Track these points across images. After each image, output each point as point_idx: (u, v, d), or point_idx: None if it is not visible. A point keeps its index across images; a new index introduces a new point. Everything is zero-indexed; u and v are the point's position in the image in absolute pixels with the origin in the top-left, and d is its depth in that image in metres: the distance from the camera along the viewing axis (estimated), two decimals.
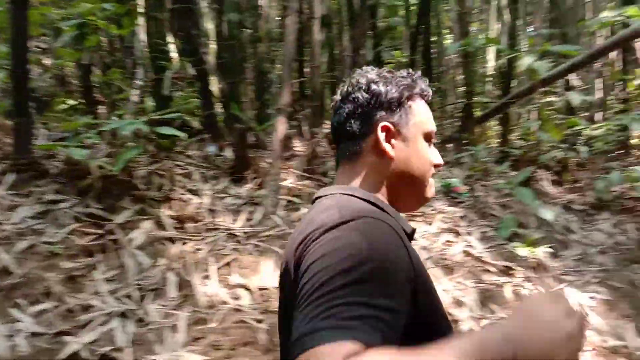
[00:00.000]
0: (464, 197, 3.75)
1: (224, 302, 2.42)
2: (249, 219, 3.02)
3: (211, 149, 3.69)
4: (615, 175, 4.14)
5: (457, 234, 3.21)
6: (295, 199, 3.29)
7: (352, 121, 0.90)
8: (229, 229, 2.87)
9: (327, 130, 4.18)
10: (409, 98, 0.91)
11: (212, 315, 2.34)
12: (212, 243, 2.74)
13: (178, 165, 3.52)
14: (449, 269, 2.85)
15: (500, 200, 3.73)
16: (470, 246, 3.08)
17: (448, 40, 7.28)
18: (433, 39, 6.06)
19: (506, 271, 2.89)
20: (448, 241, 3.11)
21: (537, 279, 2.86)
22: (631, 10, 4.04)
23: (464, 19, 5.66)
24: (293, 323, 0.64)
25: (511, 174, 4.19)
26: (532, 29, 7.21)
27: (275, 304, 2.52)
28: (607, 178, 4.16)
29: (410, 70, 0.96)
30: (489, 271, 2.89)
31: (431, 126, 0.93)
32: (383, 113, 0.89)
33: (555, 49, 3.67)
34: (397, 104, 0.90)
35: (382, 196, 0.90)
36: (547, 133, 4.19)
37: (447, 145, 5.16)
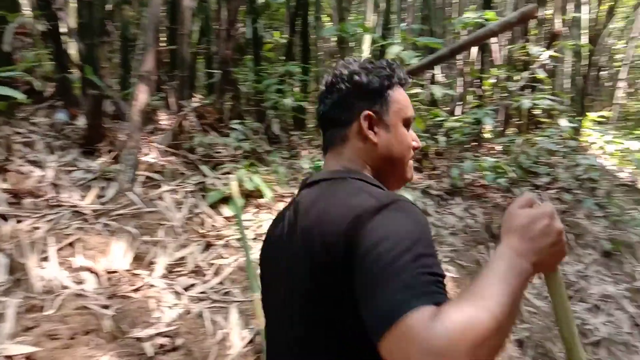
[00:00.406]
0: None
1: (65, 287, 2.15)
2: (100, 196, 2.73)
3: (60, 116, 3.28)
4: (468, 164, 4.51)
5: None
6: (155, 176, 3.06)
7: (337, 110, 0.99)
8: (74, 206, 2.56)
9: (197, 104, 3.97)
10: (389, 87, 0.99)
11: (49, 302, 2.07)
12: (54, 221, 2.43)
13: (19, 132, 3.07)
14: None
15: None
16: None
17: (327, 25, 7.35)
18: (312, 23, 6.06)
19: None
20: None
21: None
22: (489, 13, 4.44)
23: (342, 6, 5.73)
24: (366, 302, 0.71)
25: None
26: (405, 24, 7.57)
27: (125, 288, 2.32)
28: (461, 166, 4.51)
29: (389, 60, 1.03)
30: None
31: (410, 112, 1.02)
32: (365, 102, 0.97)
33: (421, 41, 3.85)
34: (378, 94, 0.98)
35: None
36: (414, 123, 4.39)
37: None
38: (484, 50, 6.39)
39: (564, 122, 5.92)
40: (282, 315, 0.94)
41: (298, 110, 4.68)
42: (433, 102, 5.62)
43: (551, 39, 6.35)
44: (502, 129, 6.49)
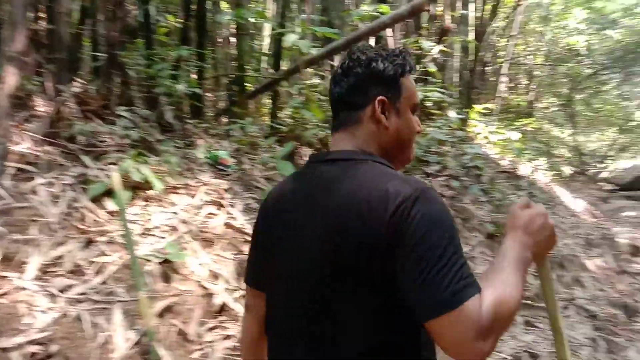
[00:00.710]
0: (231, 170, 3.69)
1: None
2: None
3: None
4: None
5: (221, 206, 3.12)
6: (29, 167, 2.76)
7: (353, 94, 1.05)
8: None
9: (78, 89, 3.65)
10: (402, 75, 1.06)
11: None
12: None
13: None
14: (208, 242, 2.75)
15: (266, 174, 3.78)
16: (232, 218, 3.03)
17: (225, 11, 7.14)
18: (209, 7, 5.84)
19: None
20: (210, 213, 3.00)
21: None
22: (383, 7, 4.57)
23: None
24: (418, 287, 0.83)
25: (278, 149, 4.31)
26: (304, 14, 7.56)
27: None
28: None
29: (401, 49, 1.10)
30: (249, 242, 2.88)
31: (417, 99, 1.10)
32: (380, 88, 1.04)
33: (319, 31, 3.85)
34: (392, 81, 1.05)
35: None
36: (310, 112, 4.40)
37: (220, 119, 5.08)
38: (380, 43, 6.58)
39: (452, 114, 6.30)
40: (298, 288, 0.99)
41: (194, 98, 4.49)
42: None
43: (441, 35, 6.71)
44: None
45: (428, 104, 6.53)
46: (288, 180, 1.16)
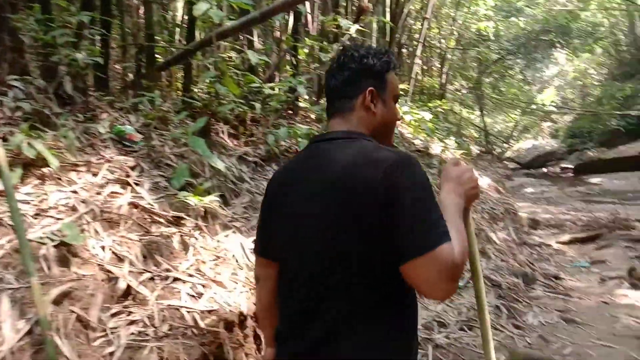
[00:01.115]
0: (138, 146, 3.47)
1: None
2: None
3: None
4: (283, 131, 4.55)
5: (127, 184, 2.93)
6: None
7: (347, 85, 1.25)
8: None
9: None
10: (387, 70, 1.28)
11: None
12: None
13: None
14: (112, 223, 2.56)
15: (177, 150, 3.60)
16: (139, 197, 2.85)
17: None
18: None
19: (175, 221, 2.79)
20: (114, 193, 2.80)
21: (206, 226, 2.86)
22: None
23: None
24: (396, 236, 1.05)
25: (191, 124, 4.12)
26: None
27: None
28: (277, 133, 4.53)
29: (386, 48, 1.35)
30: (157, 222, 2.74)
31: (398, 91, 1.33)
32: (370, 81, 1.25)
33: (232, 2, 3.69)
34: (379, 75, 1.26)
35: None
36: (225, 87, 4.24)
37: (127, 91, 4.76)
38: (299, 19, 6.48)
39: None
40: (310, 257, 1.17)
41: (98, 68, 4.16)
42: (251, 68, 5.53)
43: (359, 14, 6.72)
44: (315, 98, 6.73)
45: None
46: (292, 159, 1.40)
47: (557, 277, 5.36)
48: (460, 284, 4.50)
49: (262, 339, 1.47)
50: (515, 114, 25.00)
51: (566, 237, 6.96)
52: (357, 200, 1.10)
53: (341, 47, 5.87)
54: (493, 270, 4.95)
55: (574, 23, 18.82)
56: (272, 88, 5.30)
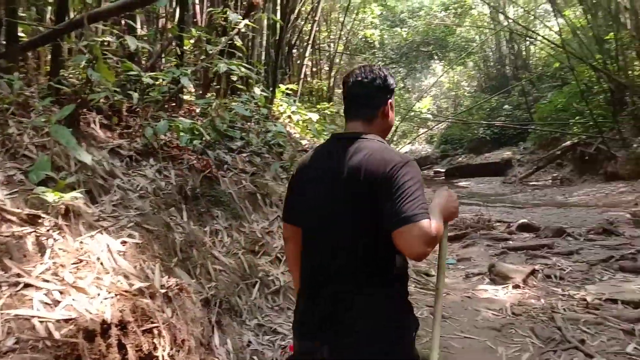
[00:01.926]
0: None
1: None
2: None
3: None
4: (163, 124, 4.30)
5: None
6: None
7: (373, 97, 1.70)
8: None
9: None
10: (395, 87, 1.77)
11: None
12: None
13: None
14: None
15: (37, 140, 3.22)
16: None
17: None
18: None
19: (31, 220, 2.48)
20: None
21: (67, 226, 2.58)
22: None
23: None
24: (389, 208, 1.45)
25: (57, 112, 3.72)
26: None
27: None
28: (156, 126, 4.28)
29: (388, 69, 1.81)
30: (8, 221, 2.41)
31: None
32: (389, 95, 1.73)
33: None
34: (392, 91, 1.75)
35: None
36: (99, 73, 3.90)
37: None
38: (186, 9, 6.20)
39: (257, 91, 6.29)
40: (325, 231, 1.62)
41: None
42: (131, 56, 5.16)
43: (249, 9, 6.62)
44: (201, 91, 6.49)
45: (234, 78, 6.43)
46: (317, 149, 1.81)
47: (427, 274, 5.71)
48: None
49: (293, 284, 1.95)
50: (396, 120, 26.48)
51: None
52: (369, 186, 1.53)
53: (230, 40, 5.73)
54: None
55: (450, 37, 20.39)
56: (154, 78, 5.00)
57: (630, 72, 16.14)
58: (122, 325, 2.15)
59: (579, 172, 17.94)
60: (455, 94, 36.61)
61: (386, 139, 1.76)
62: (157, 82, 5.10)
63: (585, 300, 4.63)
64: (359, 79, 1.70)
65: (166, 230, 3.24)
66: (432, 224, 1.43)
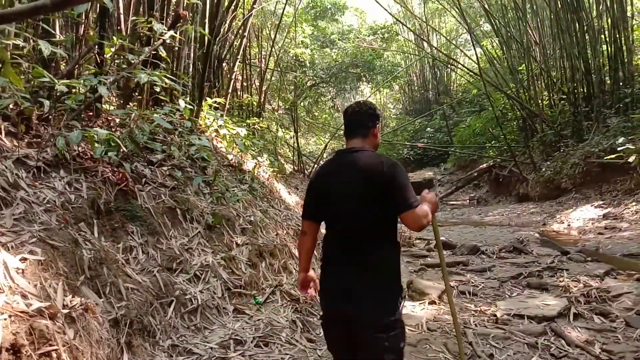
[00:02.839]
0: None
1: None
2: None
3: None
4: (76, 134, 4.07)
5: None
6: None
7: (366, 122, 2.41)
8: None
9: None
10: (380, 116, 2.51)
11: None
12: None
13: None
14: None
15: None
16: None
17: None
18: None
19: None
20: None
21: None
22: None
23: None
24: (393, 200, 2.19)
25: None
26: None
27: None
28: (69, 136, 4.04)
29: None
30: None
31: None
32: (377, 120, 2.44)
33: None
34: (379, 118, 2.47)
35: None
36: (5, 78, 3.64)
37: None
38: (107, 16, 5.97)
39: (182, 103, 6.15)
40: (345, 221, 2.28)
41: None
42: (45, 62, 4.86)
43: (175, 20, 6.49)
44: (122, 102, 6.25)
45: (157, 89, 6.24)
46: (328, 162, 2.50)
47: None
48: (261, 300, 4.55)
49: (299, 267, 2.60)
50: (325, 138, 26.86)
51: None
52: (373, 183, 2.22)
53: (154, 51, 5.57)
54: (293, 285, 5.12)
55: (378, 61, 21.10)
56: (69, 86, 4.74)
57: (540, 101, 17.47)
58: (15, 349, 1.99)
59: (494, 192, 19.07)
60: (382, 116, 37.77)
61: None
62: (74, 91, 4.84)
63: (495, 315, 4.88)
64: (357, 109, 2.46)
65: (73, 247, 3.05)
66: (422, 207, 2.22)
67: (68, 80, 4.86)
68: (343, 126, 2.46)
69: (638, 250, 8.14)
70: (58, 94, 4.79)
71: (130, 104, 6.37)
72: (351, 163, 2.29)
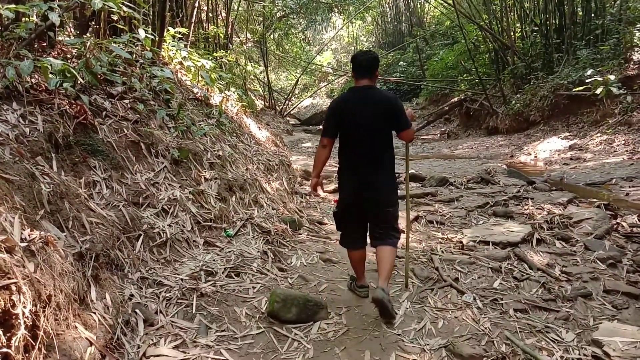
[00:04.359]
0: None
1: None
2: None
3: None
4: (27, 64, 3.82)
5: None
6: None
7: (373, 65, 3.45)
8: None
9: None
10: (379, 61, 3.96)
11: None
12: None
13: None
14: None
15: None
16: None
17: None
18: None
19: None
20: None
21: None
22: None
23: None
24: (397, 123, 3.43)
25: None
26: None
27: None
28: (19, 65, 3.79)
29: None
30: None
31: None
32: (378, 65, 3.54)
33: None
34: (379, 62, 3.70)
35: None
36: None
37: None
38: None
39: (142, 33, 5.81)
40: (367, 138, 3.38)
41: None
42: None
43: None
44: (78, 32, 5.87)
45: (115, 17, 5.87)
46: (347, 93, 3.50)
47: (320, 223, 5.84)
48: (231, 232, 4.55)
49: (313, 172, 3.62)
50: (297, 73, 26.29)
51: (332, 187, 7.63)
52: (384, 110, 3.36)
53: None
54: (264, 218, 5.13)
55: None
56: (17, 12, 4.39)
57: (512, 33, 17.29)
58: None
59: (464, 126, 19.22)
60: (355, 49, 36.99)
61: None
62: (24, 19, 4.49)
63: (461, 242, 5.02)
64: (365, 56, 3.49)
65: (30, 180, 2.93)
66: (413, 127, 3.51)
67: (14, 6, 4.50)
68: (352, 69, 3.46)
69: (600, 179, 8.42)
70: (6, 21, 4.45)
71: (88, 34, 6.00)
72: (368, 96, 3.38)
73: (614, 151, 10.33)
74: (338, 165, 3.57)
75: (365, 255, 3.71)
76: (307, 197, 7.20)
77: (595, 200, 6.45)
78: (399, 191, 3.71)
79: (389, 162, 3.46)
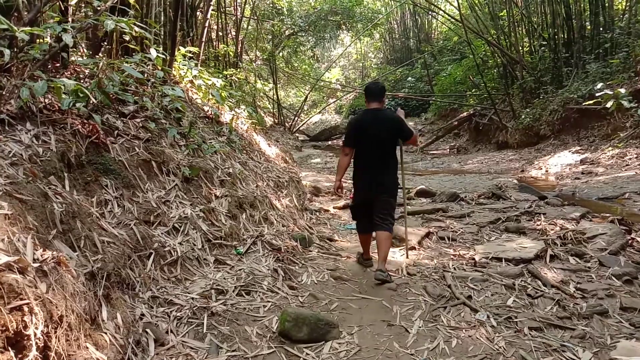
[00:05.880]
0: None
1: None
2: None
3: None
4: (41, 84, 3.88)
5: None
6: None
7: (382, 93, 4.70)
8: None
9: None
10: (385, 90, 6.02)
11: None
12: None
13: None
14: None
15: None
16: None
17: None
18: None
19: None
20: None
21: None
22: None
23: None
24: (401, 134, 4.57)
25: None
26: None
27: None
28: (34, 86, 3.85)
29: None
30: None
31: None
32: (385, 92, 5.16)
33: None
34: (385, 91, 6.14)
35: None
36: None
37: None
38: None
39: (154, 52, 5.89)
40: (377, 147, 4.47)
41: None
42: (2, 9, 4.56)
43: None
44: (90, 52, 5.97)
45: (127, 38, 5.97)
46: (363, 114, 4.67)
47: (330, 239, 5.82)
48: (242, 250, 4.54)
49: (337, 176, 4.66)
50: (306, 89, 26.46)
51: (341, 203, 7.62)
52: (392, 127, 4.48)
53: None
54: (274, 236, 5.12)
55: (358, 8, 20.53)
56: (31, 34, 4.47)
57: (520, 47, 17.32)
58: None
59: (474, 141, 19.18)
60: (363, 65, 37.21)
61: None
62: (38, 40, 4.57)
63: (473, 259, 4.97)
64: (376, 86, 4.68)
65: (43, 200, 2.95)
66: (415, 134, 4.72)
67: (29, 28, 4.59)
68: (365, 95, 4.65)
69: (613, 194, 8.32)
70: (21, 43, 4.53)
71: (100, 54, 6.09)
72: (378, 117, 4.47)
73: (626, 165, 10.22)
74: (354, 168, 4.63)
75: (371, 237, 4.80)
76: (317, 214, 7.18)
77: (608, 215, 6.37)
78: (398, 191, 4.74)
79: (392, 165, 4.52)
